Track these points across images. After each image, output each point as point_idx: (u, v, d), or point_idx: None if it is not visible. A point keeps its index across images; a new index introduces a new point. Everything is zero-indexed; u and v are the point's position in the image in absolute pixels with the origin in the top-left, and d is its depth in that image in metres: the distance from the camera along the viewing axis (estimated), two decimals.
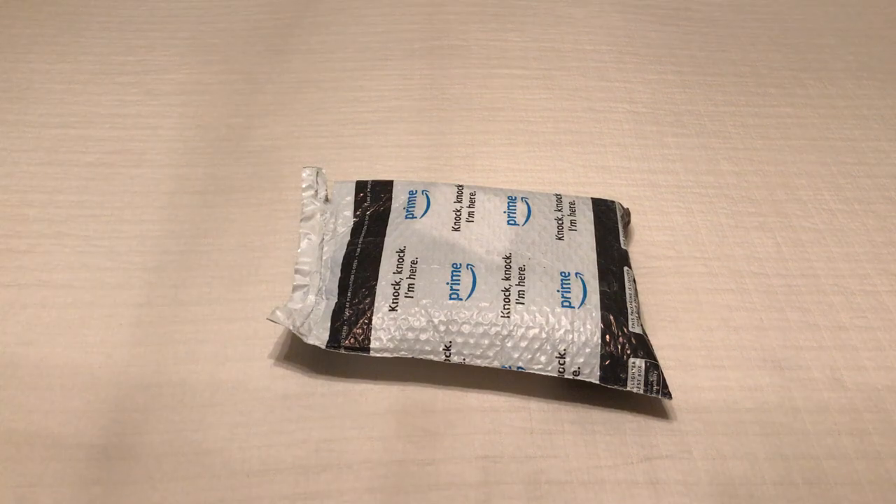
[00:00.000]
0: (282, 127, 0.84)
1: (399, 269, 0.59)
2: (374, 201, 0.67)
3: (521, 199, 0.66)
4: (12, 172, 0.77)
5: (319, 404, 0.57)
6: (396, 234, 0.63)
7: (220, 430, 0.56)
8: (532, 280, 0.59)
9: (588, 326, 0.56)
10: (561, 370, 0.55)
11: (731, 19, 1.03)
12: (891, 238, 0.73)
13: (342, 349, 0.57)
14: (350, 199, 0.68)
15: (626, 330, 0.57)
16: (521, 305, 0.57)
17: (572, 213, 0.66)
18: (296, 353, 0.61)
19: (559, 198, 0.67)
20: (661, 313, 0.65)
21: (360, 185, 0.69)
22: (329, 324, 0.58)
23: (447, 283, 0.58)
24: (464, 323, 0.56)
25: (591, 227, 0.65)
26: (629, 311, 0.59)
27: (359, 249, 0.63)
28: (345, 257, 0.63)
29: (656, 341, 0.62)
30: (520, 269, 0.59)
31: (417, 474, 0.53)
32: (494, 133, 0.84)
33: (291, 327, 0.57)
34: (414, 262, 0.60)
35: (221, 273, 0.67)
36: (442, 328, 0.56)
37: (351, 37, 0.98)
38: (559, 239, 0.63)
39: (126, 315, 0.64)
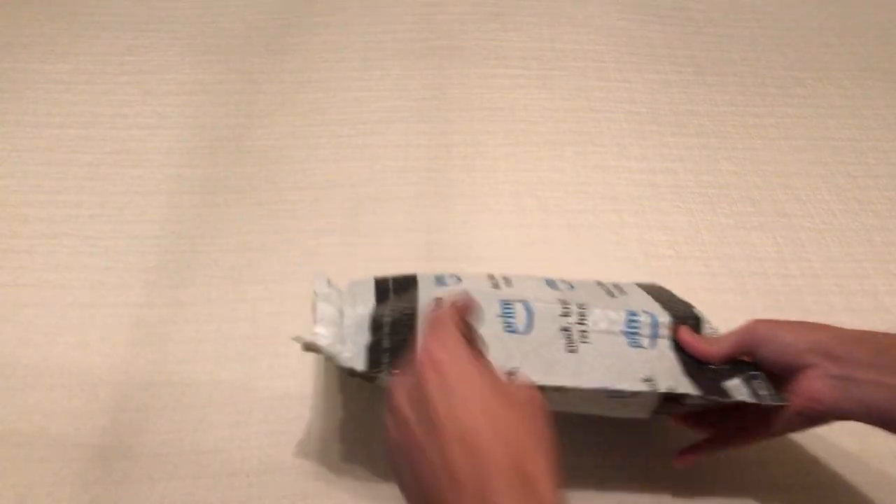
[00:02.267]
0: (282, 127, 0.84)
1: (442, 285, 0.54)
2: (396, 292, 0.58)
3: (560, 280, 0.59)
4: (12, 172, 0.77)
5: (319, 404, 0.57)
6: (428, 289, 0.55)
7: (220, 430, 0.56)
8: (596, 319, 0.53)
9: (666, 363, 0.51)
10: (652, 387, 0.49)
11: (731, 19, 1.03)
12: (891, 238, 0.73)
13: (385, 373, 0.49)
14: (370, 295, 0.58)
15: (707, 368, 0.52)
16: (585, 344, 0.51)
17: (617, 286, 0.59)
18: (296, 353, 0.61)
19: (599, 282, 0.60)
20: None
21: (380, 282, 0.59)
22: (365, 354, 0.51)
23: (499, 316, 0.52)
24: (529, 352, 0.50)
25: (642, 291, 0.58)
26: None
27: (391, 291, 0.57)
28: (378, 300, 0.56)
29: None
30: (579, 305, 0.54)
31: None
32: (494, 133, 0.83)
33: (330, 349, 0.50)
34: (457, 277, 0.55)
35: (221, 273, 0.67)
36: (499, 357, 0.49)
37: (351, 37, 0.98)
38: (611, 296, 0.56)
39: (126, 315, 0.64)
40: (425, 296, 0.54)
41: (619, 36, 0.99)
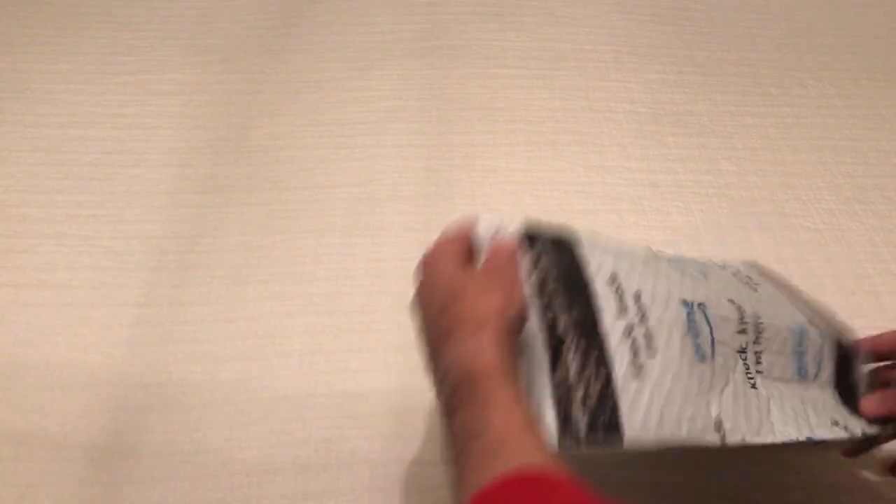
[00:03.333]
0: (282, 127, 0.84)
1: (623, 307, 0.41)
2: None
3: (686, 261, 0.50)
4: (12, 172, 0.77)
5: (319, 404, 0.57)
6: (595, 257, 0.44)
7: (220, 430, 0.56)
8: (769, 338, 0.45)
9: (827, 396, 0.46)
10: (849, 432, 0.43)
11: (731, 19, 1.03)
12: (891, 238, 0.73)
13: (583, 447, 0.37)
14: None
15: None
16: (760, 376, 0.44)
17: (749, 277, 0.52)
18: (295, 352, 0.61)
19: (724, 263, 0.53)
20: None
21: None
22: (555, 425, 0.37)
23: (687, 333, 0.41)
24: (721, 387, 0.41)
25: (771, 286, 0.53)
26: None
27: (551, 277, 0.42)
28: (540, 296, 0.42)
29: None
30: (754, 315, 0.45)
31: (417, 474, 0.53)
32: (494, 133, 0.83)
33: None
34: (637, 295, 0.42)
35: (221, 273, 0.67)
36: (701, 402, 0.40)
37: (351, 37, 0.98)
38: (753, 290, 0.49)
39: (126, 315, 0.64)
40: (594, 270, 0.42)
41: (619, 36, 0.99)
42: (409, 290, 0.44)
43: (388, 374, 0.59)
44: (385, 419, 0.56)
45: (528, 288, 0.41)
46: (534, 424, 0.35)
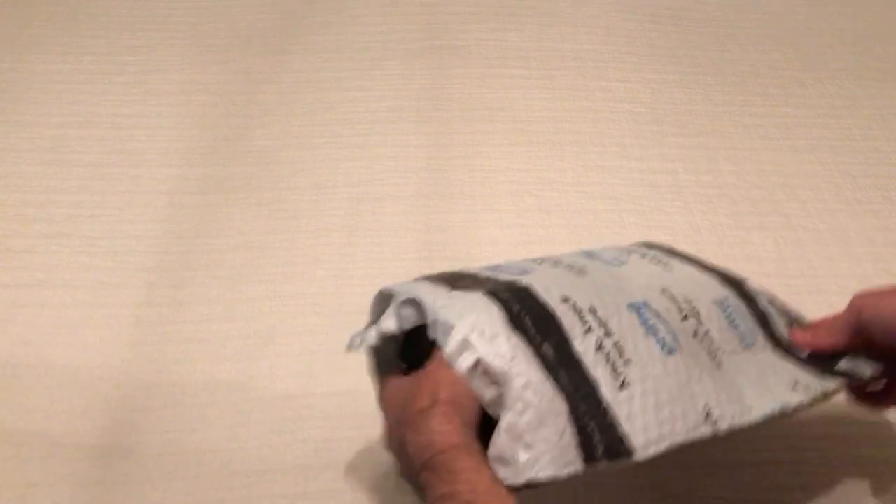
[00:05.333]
0: (282, 127, 0.84)
1: (585, 325, 0.41)
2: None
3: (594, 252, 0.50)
4: (12, 172, 0.77)
5: (319, 404, 0.57)
6: (542, 290, 0.42)
7: (220, 430, 0.56)
8: (707, 316, 0.46)
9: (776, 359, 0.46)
10: (808, 393, 0.44)
11: (731, 19, 1.03)
12: (891, 238, 0.73)
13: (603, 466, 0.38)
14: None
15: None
16: (723, 354, 0.44)
17: (629, 252, 0.51)
18: (296, 353, 0.61)
19: (613, 247, 0.52)
20: None
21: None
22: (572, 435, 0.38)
23: (646, 334, 0.42)
24: (699, 374, 0.42)
25: (664, 255, 0.51)
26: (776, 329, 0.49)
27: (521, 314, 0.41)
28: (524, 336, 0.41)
29: None
30: (688, 302, 0.46)
31: None
32: (494, 133, 0.83)
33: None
34: (593, 310, 0.41)
35: (221, 273, 0.67)
36: (686, 396, 0.40)
37: (351, 37, 0.98)
38: (668, 271, 0.49)
39: (126, 315, 0.64)
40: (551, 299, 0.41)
41: (619, 36, 0.99)
42: None
43: None
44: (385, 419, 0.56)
45: (516, 339, 0.39)
46: (500, 485, 0.36)
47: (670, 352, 0.41)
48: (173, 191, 0.75)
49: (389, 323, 0.43)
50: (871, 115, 0.88)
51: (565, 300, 0.41)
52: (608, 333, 0.40)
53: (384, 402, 0.44)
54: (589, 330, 0.40)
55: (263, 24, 1.00)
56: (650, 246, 0.54)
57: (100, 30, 0.98)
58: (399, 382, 0.43)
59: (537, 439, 0.36)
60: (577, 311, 0.41)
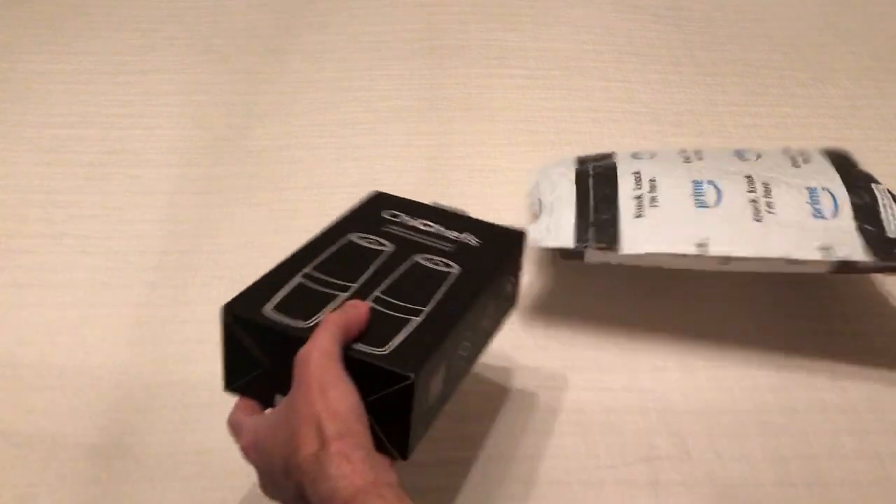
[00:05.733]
0: (282, 127, 0.84)
1: (638, 186, 0.61)
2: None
3: (748, 150, 0.67)
4: (12, 172, 0.77)
5: None
6: (627, 164, 0.65)
7: (220, 430, 0.56)
8: (779, 193, 0.59)
9: (845, 234, 0.57)
10: (828, 255, 0.55)
11: (731, 19, 1.03)
12: None
13: (592, 248, 0.57)
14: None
15: (886, 237, 0.57)
16: (771, 215, 0.57)
17: (803, 154, 0.66)
18: None
19: (787, 148, 0.68)
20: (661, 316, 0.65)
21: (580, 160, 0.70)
22: (573, 231, 0.59)
23: (691, 195, 0.59)
24: (719, 223, 0.56)
25: (826, 160, 0.65)
26: (885, 219, 0.58)
27: (591, 174, 0.64)
28: (578, 182, 0.64)
29: (657, 345, 0.62)
30: (764, 184, 0.59)
31: (416, 475, 0.53)
32: (494, 133, 0.83)
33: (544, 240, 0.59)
34: (652, 180, 0.61)
35: (221, 273, 0.67)
36: (691, 229, 0.56)
37: (351, 37, 0.98)
38: (795, 167, 0.63)
39: (126, 315, 0.64)
40: (624, 169, 0.64)
41: (619, 36, 0.99)
42: None
43: None
44: None
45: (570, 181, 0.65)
46: None
47: (703, 206, 0.58)
48: (173, 191, 0.75)
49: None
50: (871, 116, 0.88)
51: (636, 173, 0.63)
52: (653, 189, 0.60)
53: (257, 448, 0.39)
54: (638, 185, 0.61)
55: (263, 24, 1.00)
56: (828, 152, 0.67)
57: (100, 30, 0.98)
58: (265, 423, 0.39)
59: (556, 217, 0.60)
60: (637, 177, 0.62)
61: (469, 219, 0.53)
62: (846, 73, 0.94)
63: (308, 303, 0.43)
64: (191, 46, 0.95)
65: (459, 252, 0.48)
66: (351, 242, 0.49)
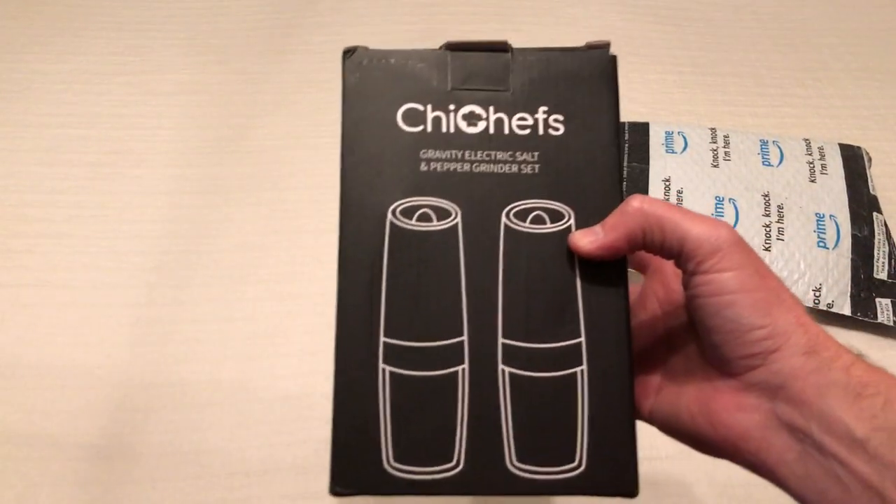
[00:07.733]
0: (282, 127, 0.84)
1: (667, 195, 0.65)
2: (632, 133, 0.73)
3: (773, 142, 0.72)
4: (12, 172, 0.77)
5: (319, 404, 0.57)
6: (660, 165, 0.68)
7: (220, 430, 0.56)
8: (790, 220, 0.63)
9: (840, 268, 0.62)
10: (816, 302, 0.61)
11: (731, 19, 1.03)
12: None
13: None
14: None
15: (872, 277, 0.62)
16: (780, 242, 0.62)
17: (822, 157, 0.70)
18: (296, 353, 0.61)
19: (808, 142, 0.72)
20: None
21: None
22: None
23: (712, 213, 0.63)
24: None
25: (842, 172, 0.69)
26: (875, 257, 0.64)
27: (625, 173, 0.67)
28: None
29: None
30: (778, 206, 0.64)
31: None
32: None
33: None
34: (679, 192, 0.66)
35: (221, 273, 0.67)
36: None
37: (351, 37, 0.97)
38: (812, 181, 0.67)
39: (126, 315, 0.64)
40: (657, 172, 0.67)
41: (619, 36, 0.99)
42: None
43: None
44: None
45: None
46: None
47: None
48: (173, 191, 0.75)
49: None
50: (871, 115, 0.88)
51: (665, 181, 0.67)
52: (679, 202, 0.65)
53: None
54: (666, 196, 0.66)
55: (263, 24, 1.00)
56: (844, 154, 0.72)
57: (100, 30, 0.98)
58: None
59: None
60: (666, 188, 0.66)
61: (528, 60, 0.30)
62: (846, 73, 0.94)
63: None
64: (191, 46, 0.95)
65: (553, 167, 0.26)
66: (397, 227, 0.29)
